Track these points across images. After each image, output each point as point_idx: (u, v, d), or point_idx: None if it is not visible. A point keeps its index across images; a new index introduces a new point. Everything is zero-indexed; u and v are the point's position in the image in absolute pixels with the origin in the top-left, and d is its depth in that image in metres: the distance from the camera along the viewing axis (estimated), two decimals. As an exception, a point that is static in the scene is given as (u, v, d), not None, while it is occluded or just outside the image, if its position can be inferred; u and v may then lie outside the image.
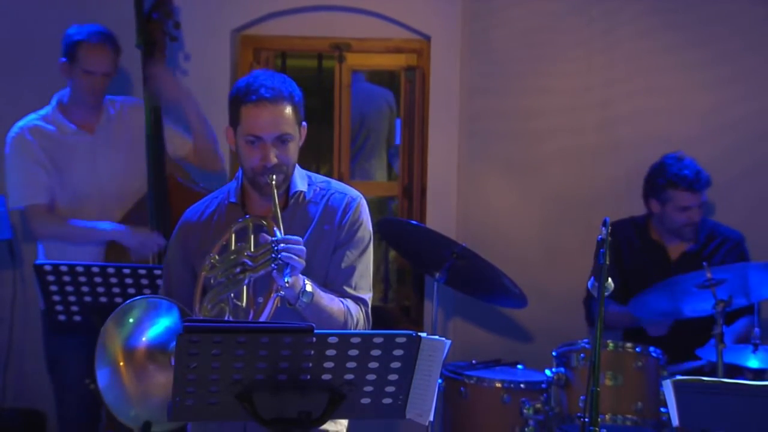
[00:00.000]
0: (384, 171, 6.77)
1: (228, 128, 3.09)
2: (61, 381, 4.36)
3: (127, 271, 3.77)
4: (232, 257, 2.95)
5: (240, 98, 3.03)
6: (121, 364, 2.80)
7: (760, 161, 5.17)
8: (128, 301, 2.87)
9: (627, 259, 4.68)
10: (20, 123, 4.41)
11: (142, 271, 3.78)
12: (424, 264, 4.67)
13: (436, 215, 5.25)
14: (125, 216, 4.38)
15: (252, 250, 2.92)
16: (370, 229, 3.15)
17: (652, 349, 4.15)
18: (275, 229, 2.91)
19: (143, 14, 4.55)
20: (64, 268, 3.75)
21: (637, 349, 4.14)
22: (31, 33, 5.12)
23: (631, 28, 5.19)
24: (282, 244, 2.85)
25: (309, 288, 2.90)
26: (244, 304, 2.91)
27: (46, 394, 4.64)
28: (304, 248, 2.89)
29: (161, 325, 2.83)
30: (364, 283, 3.11)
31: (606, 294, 3.11)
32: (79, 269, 3.75)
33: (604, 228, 3.11)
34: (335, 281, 3.07)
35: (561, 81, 5.25)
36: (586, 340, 4.18)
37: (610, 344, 4.15)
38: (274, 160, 2.99)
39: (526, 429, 4.23)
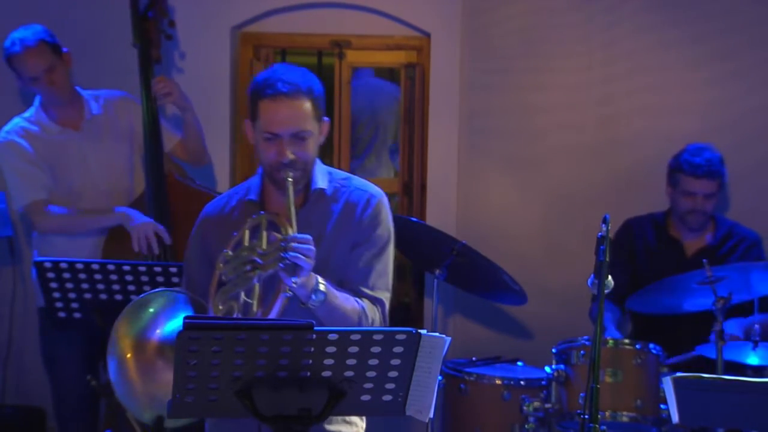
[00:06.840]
0: (389, 168, 6.75)
1: (247, 122, 3.05)
2: (59, 378, 4.35)
3: (127, 268, 3.76)
4: (243, 254, 2.91)
5: (258, 92, 2.98)
6: (128, 356, 2.78)
7: (761, 158, 5.17)
8: (148, 293, 2.87)
9: (641, 255, 4.66)
10: (6, 128, 4.38)
11: (142, 269, 3.77)
12: (424, 261, 4.66)
13: (436, 212, 5.25)
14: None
15: (263, 247, 2.89)
16: (391, 227, 3.09)
17: (651, 345, 4.15)
18: (287, 227, 2.87)
19: (138, 13, 4.53)
20: (64, 265, 3.75)
21: (637, 346, 4.14)
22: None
23: (631, 25, 5.19)
24: (291, 244, 2.81)
25: (322, 287, 2.88)
26: (254, 302, 2.88)
27: (46, 391, 4.64)
28: (313, 248, 2.85)
29: (178, 321, 2.79)
30: (382, 283, 3.06)
31: (606, 291, 3.11)
32: (79, 266, 3.75)
33: (604, 225, 3.11)
34: (352, 280, 3.02)
35: (561, 78, 5.24)
36: (586, 337, 4.18)
37: (610, 341, 4.15)
38: (290, 156, 2.95)
39: (526, 426, 4.23)
